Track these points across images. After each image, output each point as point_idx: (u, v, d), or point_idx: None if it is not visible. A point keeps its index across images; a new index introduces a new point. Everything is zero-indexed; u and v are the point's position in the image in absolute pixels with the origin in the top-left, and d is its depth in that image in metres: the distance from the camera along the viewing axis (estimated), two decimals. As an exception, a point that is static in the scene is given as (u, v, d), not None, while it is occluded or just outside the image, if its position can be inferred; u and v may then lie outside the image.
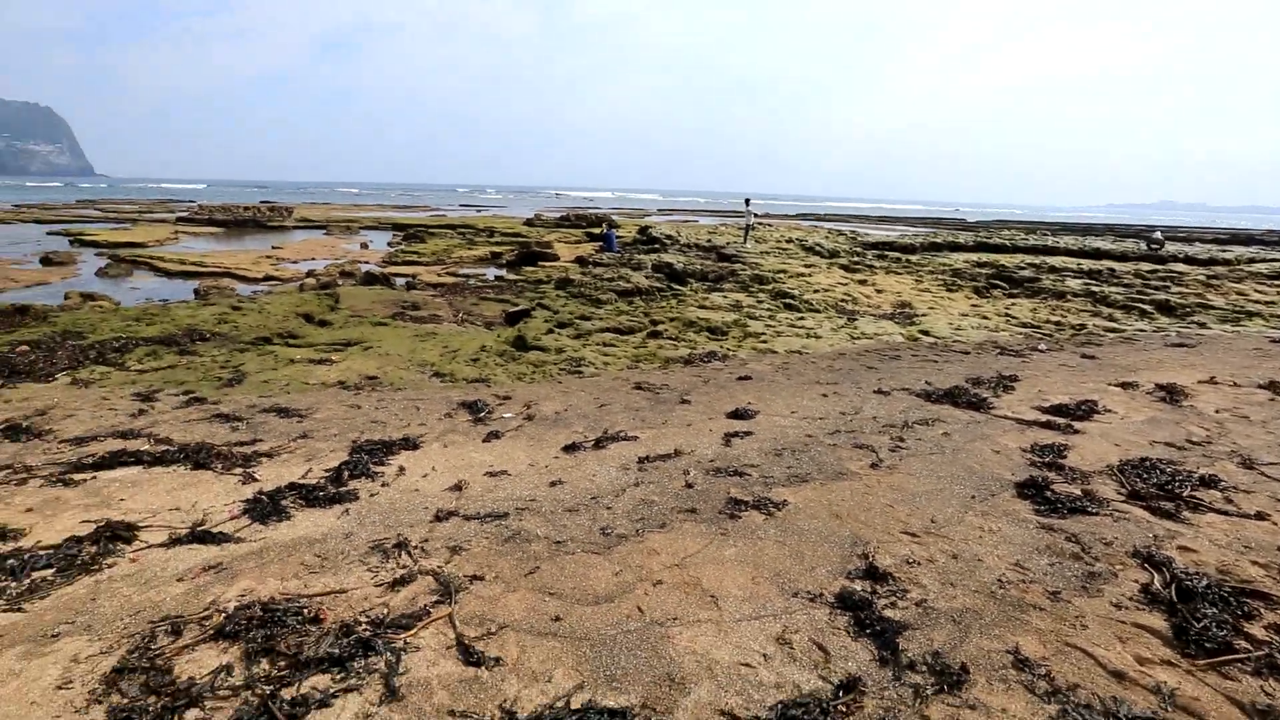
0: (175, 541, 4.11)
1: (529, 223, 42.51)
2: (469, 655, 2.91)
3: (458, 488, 4.85)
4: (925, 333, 12.41)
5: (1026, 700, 2.66)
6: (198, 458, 5.55)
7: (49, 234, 34.52)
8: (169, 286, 19.93)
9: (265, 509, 4.51)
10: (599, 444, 5.79)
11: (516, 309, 14.48)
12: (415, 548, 3.91)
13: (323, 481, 4.98)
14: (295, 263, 26.08)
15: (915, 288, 17.36)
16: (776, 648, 3.03)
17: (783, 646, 3.04)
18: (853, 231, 36.55)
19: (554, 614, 3.24)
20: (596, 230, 34.21)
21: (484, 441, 5.99)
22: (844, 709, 2.62)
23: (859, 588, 3.49)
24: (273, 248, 30.82)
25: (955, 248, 25.80)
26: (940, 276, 18.98)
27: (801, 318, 13.45)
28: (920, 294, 16.63)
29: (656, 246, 22.41)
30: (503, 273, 23.58)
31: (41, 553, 3.91)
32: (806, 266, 19.57)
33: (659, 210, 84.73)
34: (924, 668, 2.85)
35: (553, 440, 6.01)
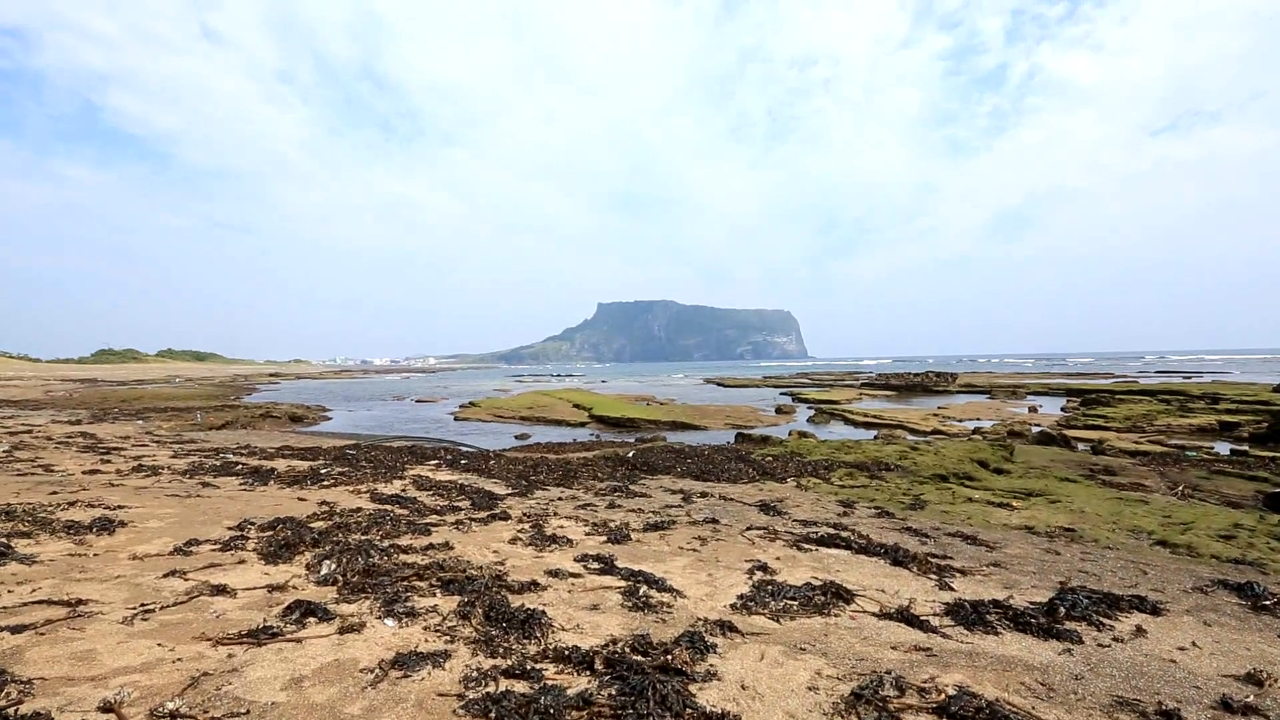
0: (885, 615, 4.23)
1: (1284, 390, 30.40)
2: None
3: (1255, 682, 3.29)
4: None
5: None
6: (895, 555, 5.80)
7: (780, 394, 47.28)
8: (855, 432, 23.62)
9: (968, 615, 4.18)
10: None
11: (1286, 489, 10.05)
12: (1195, 727, 2.75)
13: (1030, 610, 4.29)
14: (960, 420, 26.51)
15: None
16: None
17: None
18: None
19: None
20: None
21: (1280, 636, 4.01)
22: None
23: None
24: (938, 408, 32.44)
25: None
26: None
27: None
28: None
29: None
30: (1241, 446, 17.24)
31: (788, 586, 4.71)
32: None
33: None
34: None
35: None
